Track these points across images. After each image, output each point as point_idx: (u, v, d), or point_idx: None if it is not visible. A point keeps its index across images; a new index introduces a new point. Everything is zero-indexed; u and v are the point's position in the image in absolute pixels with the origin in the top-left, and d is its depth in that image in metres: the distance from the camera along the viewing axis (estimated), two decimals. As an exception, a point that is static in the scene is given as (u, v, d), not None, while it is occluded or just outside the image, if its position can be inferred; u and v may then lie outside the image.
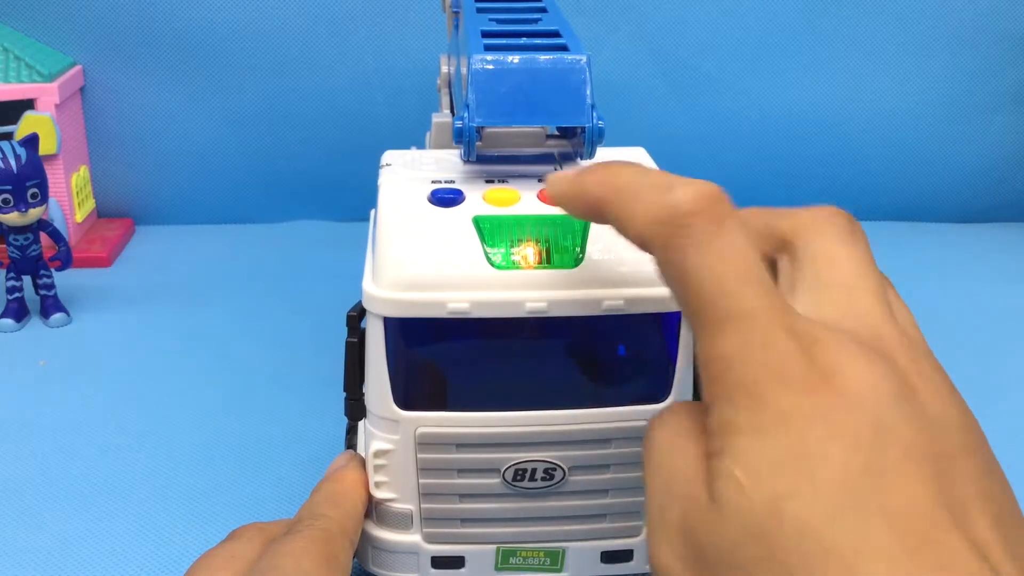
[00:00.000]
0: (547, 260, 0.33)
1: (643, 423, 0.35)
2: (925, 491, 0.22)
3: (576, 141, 0.37)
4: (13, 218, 0.59)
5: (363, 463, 0.36)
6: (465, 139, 0.35)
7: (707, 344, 0.24)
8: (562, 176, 0.30)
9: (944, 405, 0.24)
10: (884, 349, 0.24)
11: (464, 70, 0.37)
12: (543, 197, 0.35)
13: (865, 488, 0.21)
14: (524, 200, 0.35)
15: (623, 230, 0.28)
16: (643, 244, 0.27)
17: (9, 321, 0.61)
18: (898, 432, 0.22)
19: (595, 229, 0.34)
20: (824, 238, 0.27)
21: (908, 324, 0.28)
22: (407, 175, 0.37)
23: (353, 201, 0.75)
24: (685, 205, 0.25)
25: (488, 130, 0.37)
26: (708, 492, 0.23)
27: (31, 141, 0.59)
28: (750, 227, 0.28)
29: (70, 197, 0.71)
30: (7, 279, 0.62)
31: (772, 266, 0.29)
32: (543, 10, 0.41)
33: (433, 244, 0.33)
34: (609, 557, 0.37)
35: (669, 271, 0.26)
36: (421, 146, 0.46)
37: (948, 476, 0.22)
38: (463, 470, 0.35)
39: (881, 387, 0.23)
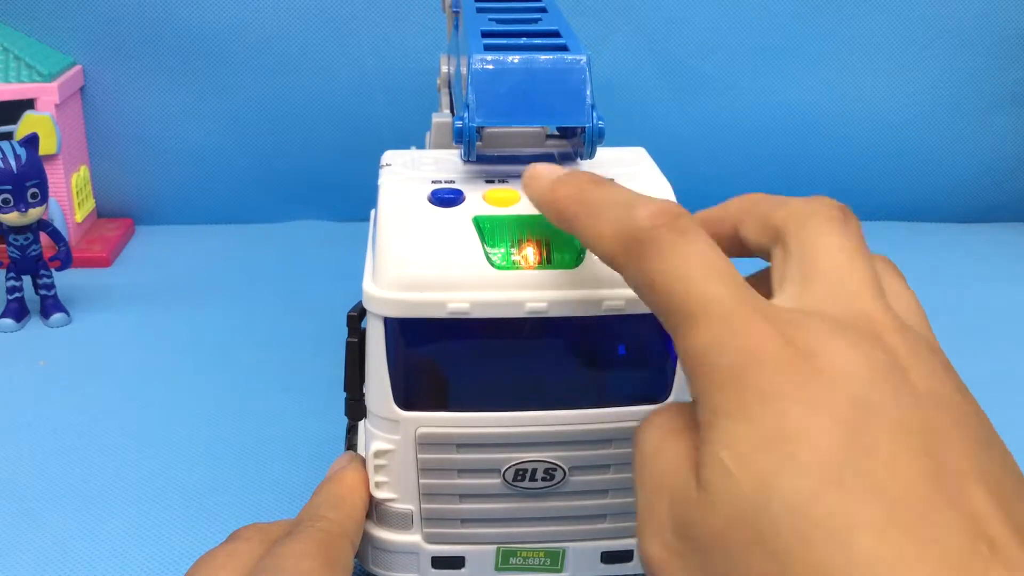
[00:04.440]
0: (547, 260, 0.33)
1: (643, 423, 0.35)
2: (914, 466, 0.21)
3: (576, 141, 0.37)
4: (13, 218, 0.59)
5: (364, 464, 0.36)
6: (465, 139, 0.35)
7: (683, 341, 0.25)
8: (539, 178, 0.32)
9: (936, 383, 0.24)
10: (871, 329, 0.24)
11: (464, 70, 0.37)
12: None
13: (850, 464, 0.21)
14: (524, 200, 0.35)
15: (591, 247, 0.29)
16: (610, 261, 0.28)
17: (9, 321, 0.61)
18: (883, 409, 0.22)
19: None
20: (814, 228, 0.27)
21: (908, 308, 0.27)
22: (407, 175, 0.37)
23: (353, 201, 0.75)
24: (646, 220, 0.26)
25: (488, 130, 0.37)
26: (696, 480, 0.24)
27: (31, 141, 0.59)
28: (751, 216, 0.29)
29: (70, 197, 0.71)
30: (7, 279, 0.62)
31: (769, 258, 0.29)
32: (543, 10, 0.41)
33: (433, 244, 0.33)
34: (609, 557, 0.37)
35: (638, 284, 0.27)
36: (421, 146, 0.46)
37: (940, 451, 0.22)
38: (463, 470, 0.35)
39: (862, 365, 0.23)
